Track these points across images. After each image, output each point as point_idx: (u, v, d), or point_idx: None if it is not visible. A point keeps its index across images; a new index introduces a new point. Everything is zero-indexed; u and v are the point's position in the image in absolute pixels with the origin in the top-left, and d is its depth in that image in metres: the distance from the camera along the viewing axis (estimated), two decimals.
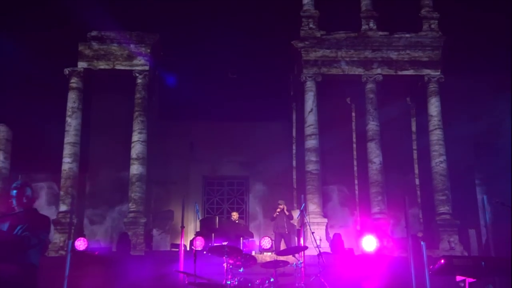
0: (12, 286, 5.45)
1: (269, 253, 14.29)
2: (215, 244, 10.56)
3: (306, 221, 10.64)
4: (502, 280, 9.40)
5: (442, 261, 4.86)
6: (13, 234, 5.55)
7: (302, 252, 9.72)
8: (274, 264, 9.03)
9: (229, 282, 8.71)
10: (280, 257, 10.18)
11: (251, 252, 14.02)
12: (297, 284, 8.87)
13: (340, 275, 10.71)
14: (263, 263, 9.46)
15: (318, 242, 16.28)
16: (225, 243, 14.73)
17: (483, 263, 4.59)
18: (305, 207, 11.69)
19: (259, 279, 8.97)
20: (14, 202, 5.94)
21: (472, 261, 4.84)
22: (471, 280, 4.74)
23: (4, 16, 15.85)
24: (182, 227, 11.65)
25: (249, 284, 8.83)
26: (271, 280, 8.76)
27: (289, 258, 10.43)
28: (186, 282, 9.47)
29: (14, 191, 5.95)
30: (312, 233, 9.99)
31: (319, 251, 9.71)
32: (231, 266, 8.90)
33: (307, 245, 10.84)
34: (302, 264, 9.07)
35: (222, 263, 9.15)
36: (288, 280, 9.14)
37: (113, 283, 11.86)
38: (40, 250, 5.94)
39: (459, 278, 5.31)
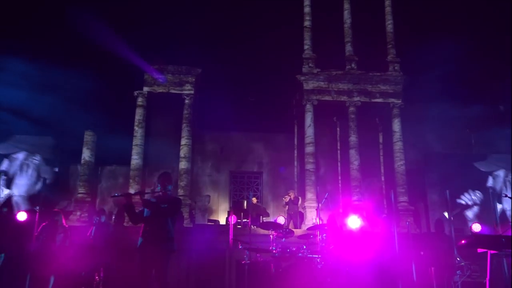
0: (161, 243, 5.94)
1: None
2: (272, 221, 10.66)
3: (329, 207, 10.92)
4: None
5: (463, 241, 5.05)
6: (161, 207, 6.06)
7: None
8: (307, 236, 9.31)
9: (274, 249, 8.84)
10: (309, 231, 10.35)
11: None
12: (321, 251, 9.06)
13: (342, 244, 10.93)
14: (299, 235, 9.65)
15: (314, 220, 16.66)
16: (247, 220, 15.14)
17: (503, 239, 4.70)
18: (328, 196, 11.92)
19: (295, 247, 8.98)
20: (158, 186, 6.40)
21: (494, 238, 4.93)
22: (492, 251, 4.82)
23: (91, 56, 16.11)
24: (230, 209, 11.97)
25: (288, 250, 8.83)
26: (304, 248, 8.81)
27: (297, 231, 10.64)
28: (240, 247, 9.75)
29: (162, 177, 6.37)
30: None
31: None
32: (275, 237, 9.09)
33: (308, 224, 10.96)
34: (326, 237, 9.29)
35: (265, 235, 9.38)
36: (315, 248, 9.15)
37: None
38: (176, 220, 6.41)
39: (480, 250, 5.44)
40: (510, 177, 17.80)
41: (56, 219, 9.27)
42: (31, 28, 15.41)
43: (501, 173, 18.05)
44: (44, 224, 9.21)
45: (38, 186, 16.34)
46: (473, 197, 17.40)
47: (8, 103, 14.19)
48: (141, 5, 16.67)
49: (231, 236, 10.96)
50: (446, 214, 12.93)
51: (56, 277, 8.18)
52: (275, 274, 8.64)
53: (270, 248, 8.99)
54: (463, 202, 17.45)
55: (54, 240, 8.92)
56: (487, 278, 4.45)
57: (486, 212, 16.65)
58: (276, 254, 8.77)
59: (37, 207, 11.36)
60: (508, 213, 16.97)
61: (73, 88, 15.43)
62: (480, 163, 18.13)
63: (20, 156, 16.75)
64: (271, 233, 9.13)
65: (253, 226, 11.99)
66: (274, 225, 9.19)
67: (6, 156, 16.67)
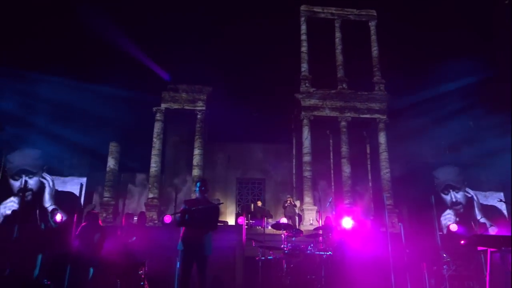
0: (199, 247, 5.99)
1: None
2: (277, 222, 10.71)
3: (331, 210, 11.05)
4: None
5: (462, 241, 5.10)
6: (201, 218, 6.03)
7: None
8: (314, 235, 9.39)
9: (285, 246, 8.85)
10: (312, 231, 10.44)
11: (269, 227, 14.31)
12: (327, 248, 9.14)
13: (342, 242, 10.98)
14: (307, 234, 9.69)
15: (311, 221, 16.70)
16: (253, 221, 15.14)
17: (502, 238, 4.73)
18: (331, 201, 11.98)
19: (303, 244, 9.07)
20: (197, 192, 6.39)
21: (494, 238, 4.88)
22: (492, 249, 4.77)
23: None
24: (241, 211, 12.01)
25: (297, 248, 8.83)
26: (312, 245, 8.95)
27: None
28: (254, 244, 9.77)
29: (199, 184, 6.37)
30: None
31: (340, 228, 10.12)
32: (286, 236, 9.11)
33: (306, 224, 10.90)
34: (331, 236, 9.39)
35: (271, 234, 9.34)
36: (321, 245, 9.24)
37: None
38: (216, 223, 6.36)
39: (480, 248, 5.41)
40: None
41: (94, 219, 9.34)
42: (69, 56, 15.52)
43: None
44: (83, 224, 9.27)
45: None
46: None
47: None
48: (161, 32, 16.88)
49: (244, 235, 11.03)
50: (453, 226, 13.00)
51: (98, 271, 8.23)
52: (287, 269, 8.70)
53: (282, 246, 9.05)
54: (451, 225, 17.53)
55: (93, 238, 8.97)
56: (487, 273, 4.47)
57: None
58: (287, 252, 8.83)
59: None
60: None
61: (100, 106, 15.50)
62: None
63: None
64: (283, 233, 9.18)
65: (258, 227, 12.00)
66: (286, 226, 9.26)
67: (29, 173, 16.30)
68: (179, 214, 6.12)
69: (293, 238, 9.14)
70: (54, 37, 16.46)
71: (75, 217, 9.98)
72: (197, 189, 6.26)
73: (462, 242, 5.16)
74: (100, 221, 9.70)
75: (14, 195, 15.27)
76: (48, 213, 12.12)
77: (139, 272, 5.79)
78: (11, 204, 15.17)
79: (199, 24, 17.63)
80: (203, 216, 5.92)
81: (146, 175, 17.08)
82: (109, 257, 8.65)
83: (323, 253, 8.80)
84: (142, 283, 5.78)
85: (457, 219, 17.24)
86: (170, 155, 18.13)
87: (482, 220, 17.01)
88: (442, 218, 17.72)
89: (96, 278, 8.26)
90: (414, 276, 9.01)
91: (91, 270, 8.69)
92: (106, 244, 9.23)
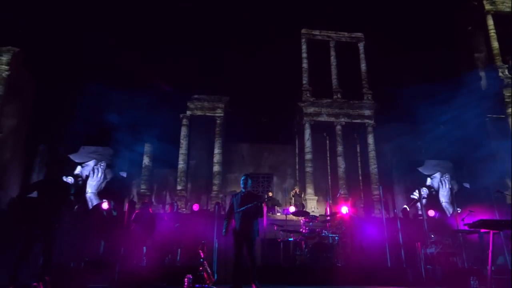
0: (248, 232, 6.20)
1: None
2: (296, 210, 10.91)
3: (334, 200, 11.30)
4: None
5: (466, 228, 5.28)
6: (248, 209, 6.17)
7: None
8: (328, 220, 9.73)
9: (303, 230, 9.35)
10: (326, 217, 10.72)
11: (278, 213, 14.51)
12: (336, 231, 9.46)
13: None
14: (323, 220, 10.09)
15: (312, 209, 16.91)
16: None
17: (503, 222, 4.88)
18: (340, 193, 12.22)
19: (319, 228, 9.44)
20: (242, 185, 6.37)
21: (496, 221, 4.95)
22: (494, 231, 4.90)
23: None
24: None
25: (314, 231, 9.25)
26: (325, 230, 9.35)
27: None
28: (276, 228, 10.07)
29: (244, 178, 6.37)
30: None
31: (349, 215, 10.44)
32: (304, 221, 9.54)
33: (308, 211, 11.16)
34: (342, 221, 9.72)
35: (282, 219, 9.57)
36: (334, 229, 9.66)
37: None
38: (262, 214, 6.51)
39: (483, 230, 5.51)
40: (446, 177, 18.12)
41: (145, 207, 9.64)
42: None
43: (437, 175, 18.39)
44: (137, 211, 9.57)
45: (104, 185, 16.33)
46: (421, 192, 17.69)
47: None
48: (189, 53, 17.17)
49: (265, 220, 11.30)
50: (407, 206, 13.48)
51: (150, 249, 8.51)
52: (306, 249, 9.02)
53: (301, 230, 9.38)
54: (414, 197, 17.78)
55: (146, 222, 9.27)
56: (490, 250, 4.68)
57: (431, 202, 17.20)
58: (306, 234, 9.15)
59: (104, 200, 11.66)
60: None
61: (137, 114, 15.73)
62: (422, 168, 18.42)
63: (91, 163, 16.69)
64: (301, 219, 9.50)
65: (270, 213, 12.12)
66: (304, 213, 9.58)
67: (80, 164, 16.58)
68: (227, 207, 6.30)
69: (310, 223, 9.44)
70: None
71: (127, 205, 10.28)
72: (242, 183, 6.32)
73: (465, 227, 5.36)
74: (150, 209, 10.01)
75: (72, 176, 15.53)
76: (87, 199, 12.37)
77: (199, 251, 6.07)
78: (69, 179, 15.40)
79: (220, 46, 17.92)
80: (253, 208, 6.09)
81: (175, 170, 17.26)
82: (160, 238, 8.97)
83: (334, 235, 9.12)
84: (201, 260, 6.04)
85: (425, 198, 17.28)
86: (194, 154, 18.31)
87: (444, 204, 17.35)
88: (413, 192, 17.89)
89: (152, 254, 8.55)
90: (408, 254, 9.36)
91: (144, 248, 9.00)
92: (157, 227, 9.55)
